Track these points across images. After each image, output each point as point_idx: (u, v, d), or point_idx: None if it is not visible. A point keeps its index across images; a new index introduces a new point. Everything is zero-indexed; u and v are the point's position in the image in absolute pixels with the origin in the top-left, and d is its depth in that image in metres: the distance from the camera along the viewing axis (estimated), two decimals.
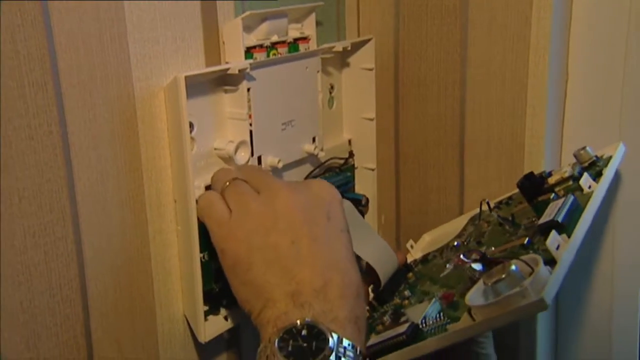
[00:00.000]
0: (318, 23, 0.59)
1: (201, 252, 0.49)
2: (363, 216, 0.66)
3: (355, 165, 0.65)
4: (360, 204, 0.65)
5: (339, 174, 0.63)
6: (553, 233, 0.43)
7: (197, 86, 0.48)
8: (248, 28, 0.52)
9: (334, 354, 0.39)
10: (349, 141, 0.65)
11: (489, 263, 0.46)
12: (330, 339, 0.39)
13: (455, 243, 0.57)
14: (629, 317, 0.63)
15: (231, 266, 0.45)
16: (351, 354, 0.40)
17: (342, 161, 0.64)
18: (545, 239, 0.43)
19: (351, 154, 0.65)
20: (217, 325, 0.52)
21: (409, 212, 0.68)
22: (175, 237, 0.50)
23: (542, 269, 0.40)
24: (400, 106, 0.66)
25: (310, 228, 0.44)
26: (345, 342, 0.40)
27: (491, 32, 0.58)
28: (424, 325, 0.46)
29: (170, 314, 0.51)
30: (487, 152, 0.61)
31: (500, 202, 0.59)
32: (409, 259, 0.61)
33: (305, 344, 0.39)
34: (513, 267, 0.40)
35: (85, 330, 0.45)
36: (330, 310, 0.41)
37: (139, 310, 0.49)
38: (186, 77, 0.45)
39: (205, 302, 0.50)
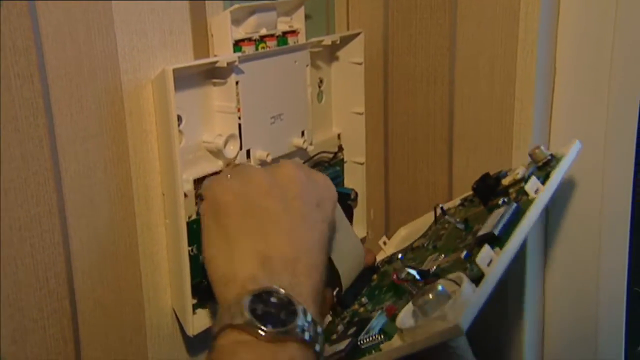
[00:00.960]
0: (307, 16, 0.59)
1: (189, 245, 0.49)
2: (352, 210, 0.66)
3: (345, 160, 0.66)
4: (349, 198, 0.65)
5: (328, 167, 0.64)
6: (486, 248, 0.42)
7: (186, 79, 0.48)
8: (236, 21, 0.52)
9: (301, 326, 0.38)
10: (338, 135, 0.65)
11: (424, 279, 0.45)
12: (300, 310, 0.38)
13: (400, 256, 0.55)
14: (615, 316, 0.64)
15: (212, 211, 0.44)
16: (312, 332, 0.39)
17: (331, 155, 0.64)
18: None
19: (340, 148, 0.65)
20: (206, 318, 0.51)
21: (398, 206, 0.68)
22: (164, 230, 0.50)
23: (465, 290, 0.38)
24: (389, 100, 0.66)
25: (300, 204, 0.44)
26: (310, 318, 0.39)
27: (480, 27, 0.58)
28: (363, 341, 0.45)
29: (158, 307, 0.51)
30: (475, 146, 0.61)
31: (465, 200, 0.58)
32: (382, 257, 0.59)
33: (274, 310, 0.38)
34: (440, 287, 0.39)
35: (72, 324, 0.45)
36: (297, 284, 0.40)
37: (127, 304, 0.48)
38: (174, 70, 0.45)
39: (194, 295, 0.50)
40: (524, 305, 0.62)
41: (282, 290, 0.39)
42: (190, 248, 0.49)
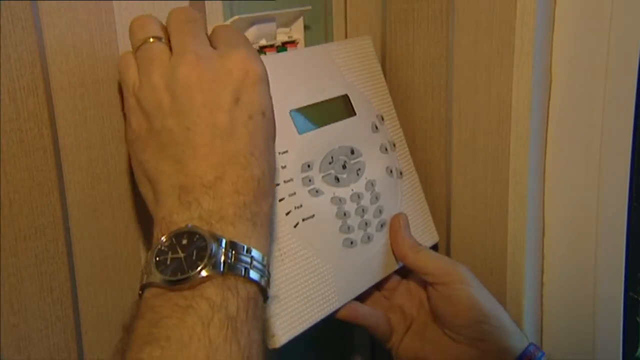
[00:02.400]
0: (306, 27, 0.60)
1: None
2: None
3: None
4: None
5: None
6: None
7: None
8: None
9: (218, 260, 0.35)
10: None
11: None
12: (213, 243, 0.35)
13: None
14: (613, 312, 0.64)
15: (132, 141, 0.41)
16: (243, 257, 0.36)
17: None
18: None
19: None
20: None
21: None
22: None
23: None
24: None
25: (209, 113, 0.38)
26: (235, 244, 0.36)
27: (476, 37, 0.59)
28: None
29: None
30: (473, 155, 0.62)
31: None
32: None
33: (184, 254, 0.35)
34: None
35: (76, 333, 0.45)
36: (219, 208, 0.37)
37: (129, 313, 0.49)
38: None
39: None
40: (522, 312, 0.62)
41: (193, 225, 0.36)
42: None
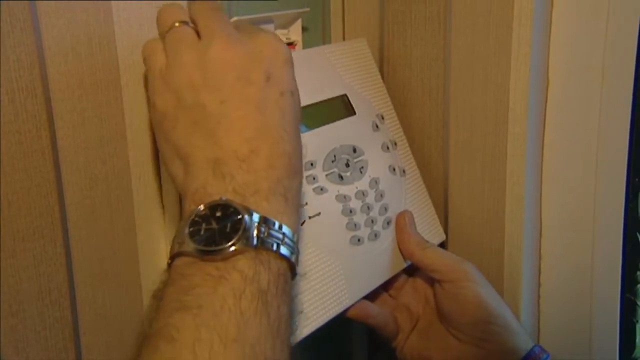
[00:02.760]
0: (304, 29, 0.60)
1: None
2: None
3: None
4: None
5: None
6: None
7: None
8: None
9: (252, 233, 0.35)
10: None
11: None
12: (247, 217, 0.36)
13: None
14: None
15: (159, 121, 0.41)
16: (276, 233, 0.37)
17: None
18: None
19: None
20: None
21: None
22: (164, 241, 0.51)
23: None
24: None
25: (242, 87, 0.39)
26: (268, 220, 0.37)
27: (474, 38, 0.59)
28: None
29: None
30: (470, 156, 0.62)
31: None
32: None
33: (218, 226, 0.36)
34: None
35: (74, 334, 0.45)
36: (253, 182, 0.37)
37: (127, 314, 0.49)
38: None
39: None
40: (519, 313, 0.62)
41: (227, 198, 0.36)
42: None
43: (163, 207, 0.50)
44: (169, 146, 0.41)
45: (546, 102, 0.61)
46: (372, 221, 0.57)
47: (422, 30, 0.62)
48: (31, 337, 0.43)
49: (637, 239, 0.65)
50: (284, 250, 0.37)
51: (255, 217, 0.36)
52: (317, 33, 0.64)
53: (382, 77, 0.65)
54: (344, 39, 0.67)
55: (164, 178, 0.49)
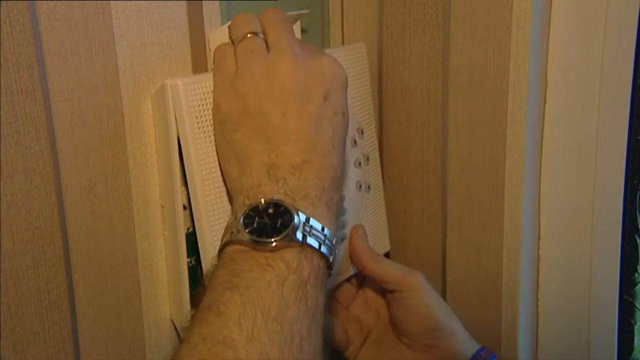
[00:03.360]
0: (303, 30, 0.60)
1: (188, 257, 0.49)
2: None
3: None
4: None
5: None
6: None
7: None
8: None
9: (299, 231, 0.40)
10: None
11: None
12: (296, 216, 0.40)
13: None
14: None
15: (221, 122, 0.45)
16: (318, 234, 0.41)
17: None
18: None
19: None
20: None
21: (392, 215, 0.69)
22: (163, 242, 0.51)
23: None
24: (384, 113, 0.67)
25: (302, 103, 0.44)
26: (313, 222, 0.41)
27: (472, 41, 0.59)
28: None
29: (157, 319, 0.51)
30: (469, 158, 0.62)
31: None
32: None
33: (270, 221, 0.40)
34: None
35: (73, 336, 0.45)
36: (303, 188, 0.42)
37: (126, 316, 0.49)
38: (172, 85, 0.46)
39: (192, 306, 0.50)
40: (517, 315, 0.62)
41: (279, 198, 0.41)
42: (189, 259, 0.49)
43: (162, 207, 0.50)
44: (228, 146, 0.45)
45: (545, 103, 0.62)
46: None
47: (421, 32, 0.62)
48: (30, 338, 0.43)
49: (635, 241, 0.65)
50: (324, 249, 0.41)
51: (303, 217, 0.41)
52: (316, 35, 0.64)
53: (381, 80, 0.65)
54: (342, 41, 0.67)
55: (162, 180, 0.49)
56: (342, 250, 0.59)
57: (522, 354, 0.64)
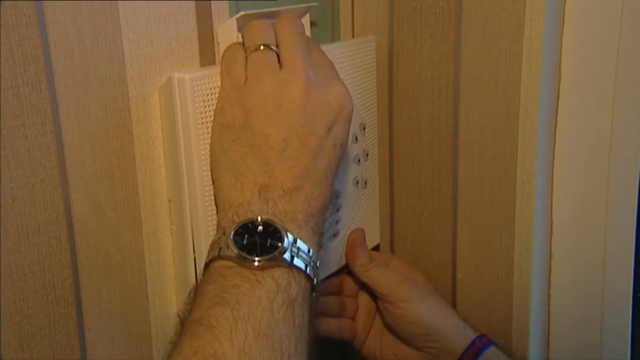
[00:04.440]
0: (313, 23, 0.59)
1: (195, 251, 0.49)
2: None
3: None
4: None
5: None
6: None
7: None
8: (242, 28, 0.52)
9: (287, 252, 0.41)
10: None
11: None
12: (285, 237, 0.41)
13: None
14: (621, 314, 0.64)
15: (221, 128, 0.45)
16: (305, 255, 0.42)
17: None
18: None
19: None
20: None
21: (403, 212, 0.69)
22: (170, 236, 0.50)
23: None
24: (394, 107, 0.66)
25: (306, 133, 0.44)
26: (300, 243, 0.42)
27: (485, 34, 0.58)
28: None
29: (163, 313, 0.51)
30: (480, 153, 0.61)
31: None
32: None
33: (260, 240, 0.41)
34: None
35: (78, 330, 0.45)
36: (292, 211, 0.42)
37: (132, 310, 0.49)
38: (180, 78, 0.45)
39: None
40: (529, 313, 0.62)
41: (268, 218, 0.41)
42: (195, 254, 0.49)
43: (169, 201, 0.50)
44: (223, 155, 0.45)
45: (558, 98, 0.61)
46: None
47: (433, 25, 0.62)
48: (36, 333, 0.43)
49: None
50: (309, 271, 0.42)
51: (291, 238, 0.41)
52: (326, 28, 0.64)
53: (391, 74, 0.65)
54: (353, 34, 0.67)
55: (169, 174, 0.49)
56: (332, 246, 0.60)
57: (534, 351, 0.64)
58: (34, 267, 0.42)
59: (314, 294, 0.43)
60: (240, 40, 0.51)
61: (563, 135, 0.61)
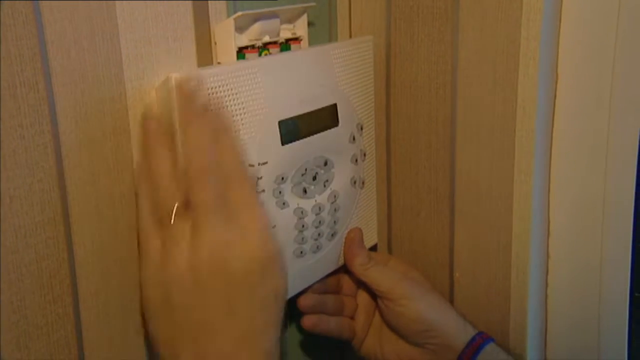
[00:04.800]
0: (310, 24, 0.59)
1: None
2: None
3: None
4: None
5: None
6: None
7: None
8: (240, 28, 0.52)
9: None
10: None
11: None
12: None
13: None
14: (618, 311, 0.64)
15: (147, 308, 0.44)
16: None
17: None
18: None
19: None
20: None
21: (400, 211, 0.69)
22: None
23: None
24: (392, 107, 0.66)
25: (225, 298, 0.42)
26: None
27: (482, 34, 0.58)
28: None
29: None
30: (478, 153, 0.61)
31: None
32: None
33: None
34: None
35: (76, 330, 0.45)
36: None
37: (129, 310, 0.49)
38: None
39: None
40: (526, 313, 0.62)
41: None
42: None
43: None
44: (155, 336, 0.44)
45: (555, 98, 0.61)
46: (319, 234, 0.59)
47: (430, 26, 0.62)
48: (33, 333, 0.42)
49: None
50: None
51: None
52: (323, 28, 0.64)
53: (389, 74, 0.65)
54: (350, 35, 0.67)
55: None
56: (330, 246, 0.60)
57: (531, 351, 0.64)
58: (32, 267, 0.42)
59: None
60: (238, 38, 0.51)
61: (560, 135, 0.61)
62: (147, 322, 0.45)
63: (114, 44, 0.45)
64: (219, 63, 0.52)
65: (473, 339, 0.58)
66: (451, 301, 0.67)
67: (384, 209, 0.70)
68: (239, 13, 0.51)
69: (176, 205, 0.43)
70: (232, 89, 0.48)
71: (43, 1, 0.40)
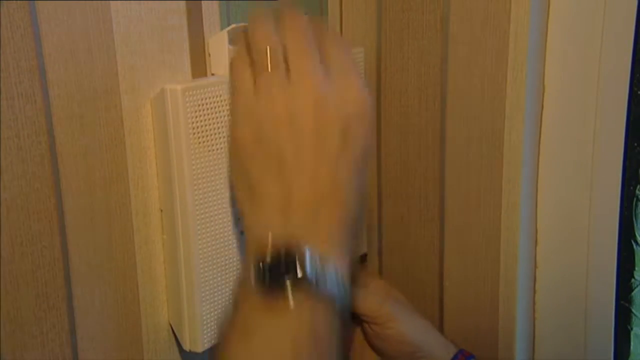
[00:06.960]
0: None
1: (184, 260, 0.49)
2: None
3: None
4: None
5: None
6: None
7: None
8: (233, 40, 0.53)
9: (310, 277, 0.39)
10: None
11: None
12: (309, 267, 0.39)
13: None
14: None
15: (236, 147, 0.44)
16: (333, 278, 0.40)
17: None
18: None
19: None
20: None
21: (390, 221, 0.69)
22: (161, 246, 0.51)
23: None
24: (382, 119, 0.67)
25: (318, 141, 0.41)
26: (327, 268, 0.40)
27: (471, 47, 0.59)
28: None
29: (155, 322, 0.51)
30: (467, 164, 0.62)
31: None
32: None
33: (281, 267, 0.39)
34: None
35: (71, 340, 0.45)
36: (316, 235, 0.41)
37: (124, 319, 0.49)
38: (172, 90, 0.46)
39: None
40: (515, 320, 0.62)
41: (290, 246, 0.40)
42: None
43: (161, 210, 0.50)
44: (241, 177, 0.44)
45: (542, 109, 0.62)
46: None
47: (420, 38, 0.63)
48: (29, 342, 0.43)
49: (632, 247, 0.65)
50: (338, 300, 0.41)
51: (314, 263, 0.40)
52: None
53: (379, 85, 0.66)
54: None
55: (161, 184, 0.49)
56: None
57: (520, 357, 0.65)
58: (28, 276, 0.42)
59: (344, 317, 0.42)
60: (231, 50, 0.52)
61: (547, 146, 0.62)
62: (232, 166, 0.45)
63: (109, 56, 0.45)
64: (212, 74, 0.52)
65: (455, 356, 0.59)
66: (441, 309, 0.67)
67: (375, 219, 0.70)
68: (233, 26, 0.51)
69: (271, 49, 0.43)
70: (225, 100, 0.49)
71: (41, 15, 0.41)
